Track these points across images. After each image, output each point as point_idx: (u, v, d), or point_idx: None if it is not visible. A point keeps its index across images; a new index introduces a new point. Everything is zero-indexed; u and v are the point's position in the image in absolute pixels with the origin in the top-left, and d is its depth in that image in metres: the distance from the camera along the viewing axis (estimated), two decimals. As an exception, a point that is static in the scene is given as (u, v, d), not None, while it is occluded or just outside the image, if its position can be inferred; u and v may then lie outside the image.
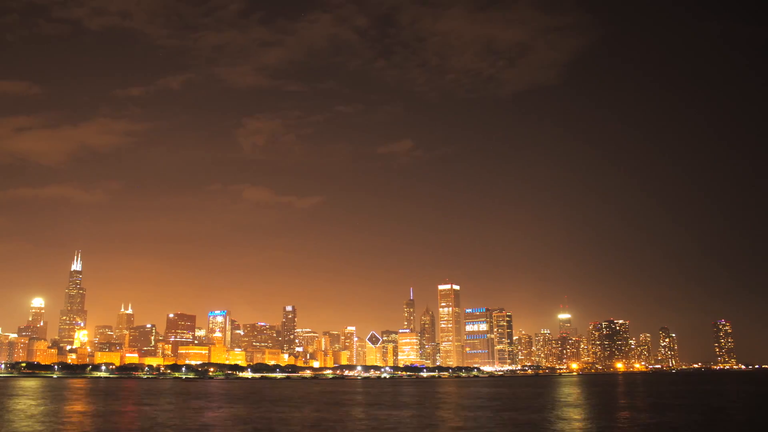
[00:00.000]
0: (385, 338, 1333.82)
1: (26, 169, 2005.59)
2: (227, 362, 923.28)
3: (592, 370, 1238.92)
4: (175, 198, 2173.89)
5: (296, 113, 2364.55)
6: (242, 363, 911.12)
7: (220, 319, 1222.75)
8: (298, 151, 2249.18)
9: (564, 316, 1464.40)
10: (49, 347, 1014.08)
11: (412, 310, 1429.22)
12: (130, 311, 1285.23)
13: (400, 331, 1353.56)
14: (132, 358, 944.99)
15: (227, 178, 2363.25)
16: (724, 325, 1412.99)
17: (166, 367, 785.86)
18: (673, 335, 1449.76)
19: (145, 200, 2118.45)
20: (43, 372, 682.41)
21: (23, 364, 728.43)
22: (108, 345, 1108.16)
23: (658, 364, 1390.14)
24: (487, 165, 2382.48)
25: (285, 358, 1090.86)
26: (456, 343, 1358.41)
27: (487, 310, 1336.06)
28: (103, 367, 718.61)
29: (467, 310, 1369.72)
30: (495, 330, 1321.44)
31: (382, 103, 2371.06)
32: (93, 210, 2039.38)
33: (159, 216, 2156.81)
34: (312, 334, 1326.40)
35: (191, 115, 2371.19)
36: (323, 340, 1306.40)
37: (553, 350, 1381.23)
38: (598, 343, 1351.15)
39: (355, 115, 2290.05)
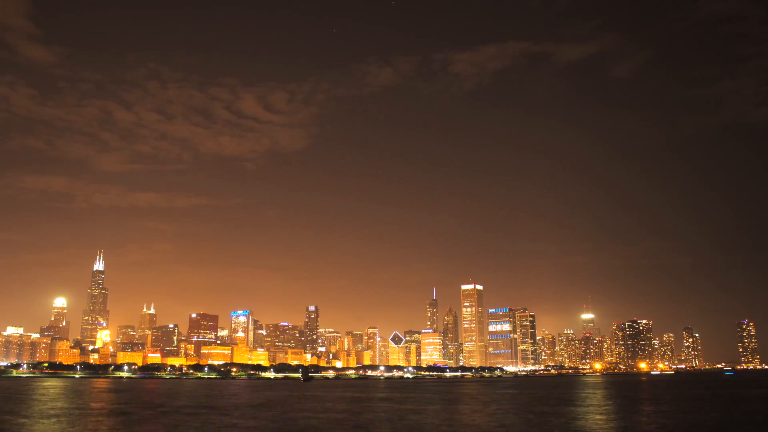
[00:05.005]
0: (408, 338, 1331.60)
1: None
2: (250, 362, 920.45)
3: (615, 370, 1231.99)
4: (196, 199, 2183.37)
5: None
6: (265, 363, 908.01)
7: (242, 319, 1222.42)
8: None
9: (587, 316, 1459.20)
10: (71, 347, 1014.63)
11: (435, 310, 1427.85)
12: (152, 311, 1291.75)
13: (423, 331, 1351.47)
14: (154, 358, 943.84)
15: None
16: (747, 325, 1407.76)
17: (189, 367, 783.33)
18: (697, 335, 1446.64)
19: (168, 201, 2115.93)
20: (65, 372, 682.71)
21: (45, 364, 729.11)
22: (130, 345, 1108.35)
23: (681, 364, 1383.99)
24: (508, 166, 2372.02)
25: (308, 358, 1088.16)
26: (479, 343, 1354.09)
27: (510, 310, 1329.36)
28: (126, 367, 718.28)
29: (490, 310, 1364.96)
30: (518, 330, 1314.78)
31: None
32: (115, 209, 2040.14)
33: (182, 216, 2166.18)
34: (335, 334, 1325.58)
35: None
36: (346, 340, 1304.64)
37: (577, 350, 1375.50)
38: (621, 343, 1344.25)
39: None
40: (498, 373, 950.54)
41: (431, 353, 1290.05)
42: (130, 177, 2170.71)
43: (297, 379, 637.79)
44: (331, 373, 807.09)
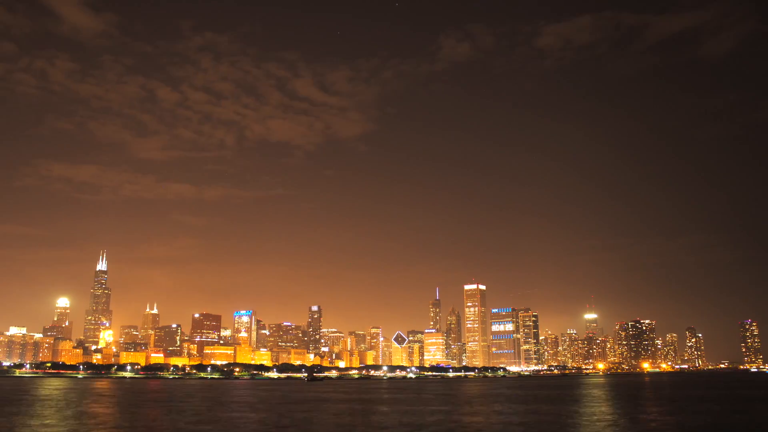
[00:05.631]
0: (411, 338, 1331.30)
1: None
2: (253, 362, 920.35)
3: (618, 370, 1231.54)
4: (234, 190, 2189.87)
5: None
6: (268, 363, 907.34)
7: (245, 319, 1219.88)
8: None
9: (590, 316, 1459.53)
10: (74, 347, 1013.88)
11: (438, 310, 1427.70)
12: (155, 311, 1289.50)
13: (426, 331, 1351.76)
14: (157, 358, 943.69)
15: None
16: (750, 326, 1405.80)
17: (192, 367, 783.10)
18: (700, 335, 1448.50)
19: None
20: (68, 372, 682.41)
21: (48, 364, 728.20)
22: (133, 345, 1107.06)
23: (684, 364, 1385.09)
24: (512, 166, 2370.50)
25: (311, 358, 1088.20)
26: (482, 343, 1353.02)
27: (513, 310, 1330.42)
28: (129, 368, 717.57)
29: (493, 310, 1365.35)
30: (521, 330, 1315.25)
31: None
32: (118, 208, 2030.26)
33: (212, 209, 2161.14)
34: (338, 334, 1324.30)
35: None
36: (349, 340, 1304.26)
37: (580, 350, 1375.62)
38: (624, 343, 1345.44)
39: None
40: (501, 373, 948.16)
41: (434, 353, 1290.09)
42: (165, 165, 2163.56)
43: (300, 379, 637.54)
44: (334, 373, 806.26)
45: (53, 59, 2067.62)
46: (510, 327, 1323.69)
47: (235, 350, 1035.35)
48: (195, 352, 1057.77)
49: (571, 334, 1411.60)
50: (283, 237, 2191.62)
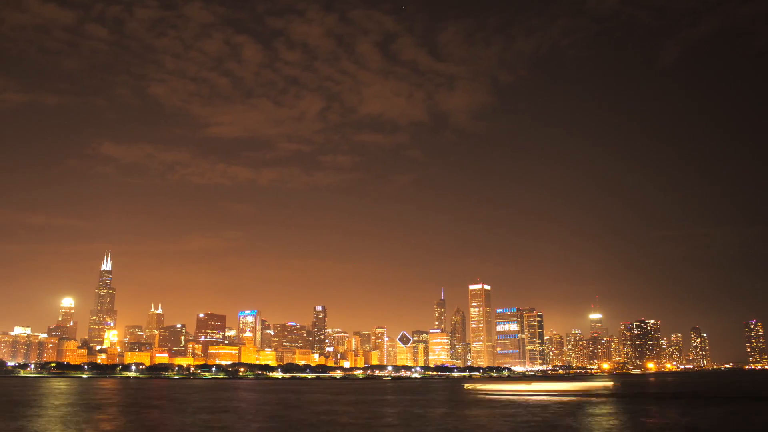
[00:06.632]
0: (415, 338, 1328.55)
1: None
2: (257, 362, 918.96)
3: (623, 370, 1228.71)
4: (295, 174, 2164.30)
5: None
6: (272, 363, 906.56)
7: (250, 319, 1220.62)
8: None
9: (595, 316, 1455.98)
10: (78, 347, 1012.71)
11: (442, 310, 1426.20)
12: (160, 311, 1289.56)
13: (431, 331, 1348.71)
14: (162, 358, 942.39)
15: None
16: (755, 326, 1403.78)
17: (196, 367, 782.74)
18: (705, 335, 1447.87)
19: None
20: (72, 372, 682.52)
21: (53, 364, 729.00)
22: (138, 345, 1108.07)
23: (689, 364, 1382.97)
24: (517, 167, 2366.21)
25: (315, 358, 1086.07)
26: (487, 343, 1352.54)
27: (518, 310, 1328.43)
28: (133, 367, 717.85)
29: (498, 310, 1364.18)
30: (526, 330, 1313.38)
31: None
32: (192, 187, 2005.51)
33: (265, 196, 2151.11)
34: (342, 334, 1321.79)
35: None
36: (354, 340, 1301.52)
37: (585, 350, 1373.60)
38: (629, 343, 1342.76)
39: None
40: (506, 373, 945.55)
41: (439, 353, 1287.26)
42: (228, 143, 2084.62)
43: (305, 378, 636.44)
44: (338, 373, 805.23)
45: (133, 6, 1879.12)
46: (515, 327, 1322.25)
47: (239, 350, 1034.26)
48: (199, 352, 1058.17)
49: (576, 334, 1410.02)
50: (294, 236, 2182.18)
